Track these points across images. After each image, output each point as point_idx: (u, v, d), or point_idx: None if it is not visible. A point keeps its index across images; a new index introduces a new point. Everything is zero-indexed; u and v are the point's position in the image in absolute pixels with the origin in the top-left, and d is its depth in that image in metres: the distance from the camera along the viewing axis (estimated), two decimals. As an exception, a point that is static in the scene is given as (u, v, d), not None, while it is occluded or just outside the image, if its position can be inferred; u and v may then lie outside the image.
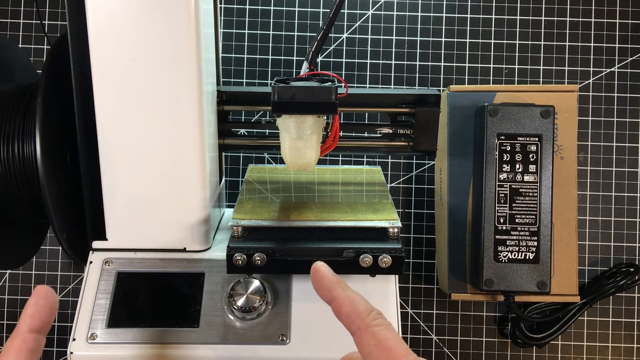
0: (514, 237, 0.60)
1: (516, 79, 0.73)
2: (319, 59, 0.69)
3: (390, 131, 0.54)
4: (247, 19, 0.73)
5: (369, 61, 0.73)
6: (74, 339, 0.45)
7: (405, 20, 0.73)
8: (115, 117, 0.46)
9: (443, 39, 0.73)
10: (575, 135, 0.63)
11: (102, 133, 0.47)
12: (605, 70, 0.72)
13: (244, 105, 0.55)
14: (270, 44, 0.73)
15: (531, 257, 0.60)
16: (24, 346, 0.34)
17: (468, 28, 0.73)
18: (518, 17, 0.73)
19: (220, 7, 0.72)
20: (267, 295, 0.46)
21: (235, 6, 0.73)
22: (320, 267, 0.37)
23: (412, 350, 0.33)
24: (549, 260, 0.59)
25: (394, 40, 0.73)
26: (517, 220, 0.60)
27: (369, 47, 0.73)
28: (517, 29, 0.73)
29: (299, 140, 0.46)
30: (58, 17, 0.73)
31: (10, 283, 0.71)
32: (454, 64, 0.73)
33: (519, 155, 0.60)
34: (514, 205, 0.60)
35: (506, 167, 0.60)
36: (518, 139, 0.60)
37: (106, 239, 0.49)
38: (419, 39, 0.73)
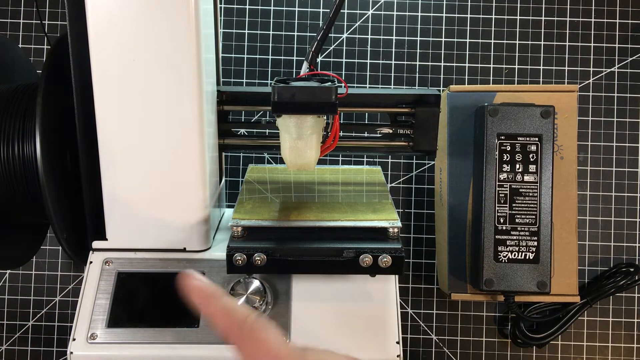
0: (514, 237, 0.60)
1: (516, 79, 0.73)
2: (319, 59, 0.69)
3: (390, 131, 0.54)
4: (247, 19, 0.73)
5: (369, 61, 0.73)
6: (74, 339, 0.45)
7: (405, 20, 0.73)
8: (115, 116, 0.46)
9: (443, 39, 0.73)
10: (575, 135, 0.63)
11: (102, 133, 0.47)
12: (605, 70, 0.72)
13: (244, 105, 0.55)
14: (270, 44, 0.73)
15: (531, 257, 0.60)
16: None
17: (468, 28, 0.73)
18: (518, 17, 0.73)
19: (220, 7, 0.72)
20: (267, 295, 0.46)
21: (235, 6, 0.73)
22: (187, 277, 0.34)
23: (295, 345, 0.33)
24: (549, 260, 0.59)
25: (394, 40, 0.73)
26: (517, 220, 0.60)
27: (369, 47, 0.73)
28: (517, 29, 0.73)
29: (299, 140, 0.46)
30: (58, 17, 0.73)
31: (10, 283, 0.71)
32: (454, 64, 0.73)
33: (519, 155, 0.60)
34: (514, 205, 0.60)
35: (506, 167, 0.60)
36: (518, 139, 0.60)
37: (106, 239, 0.49)
38: (419, 39, 0.73)
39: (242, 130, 0.67)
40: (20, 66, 0.61)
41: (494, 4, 0.73)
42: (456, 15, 0.73)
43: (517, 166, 0.60)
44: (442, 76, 0.73)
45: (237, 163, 0.73)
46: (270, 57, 0.73)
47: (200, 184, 0.48)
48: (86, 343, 0.45)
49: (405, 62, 0.73)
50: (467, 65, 0.73)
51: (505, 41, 0.73)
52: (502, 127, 0.60)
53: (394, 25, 0.73)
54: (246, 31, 0.73)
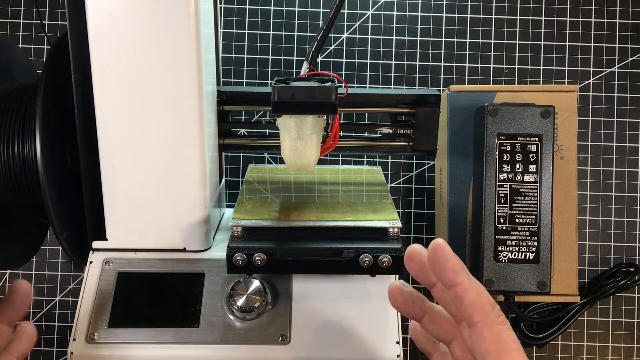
0: (514, 237, 0.60)
1: (516, 79, 0.73)
2: (319, 59, 0.69)
3: (390, 131, 0.54)
4: (247, 19, 0.73)
5: (369, 61, 0.73)
6: (74, 339, 0.45)
7: (405, 20, 0.73)
8: (115, 117, 0.46)
9: (443, 39, 0.73)
10: (575, 135, 0.63)
11: (102, 133, 0.47)
12: (605, 70, 0.72)
13: (244, 105, 0.55)
14: (270, 44, 0.73)
15: (531, 257, 0.60)
16: None
17: (468, 28, 0.73)
18: (518, 17, 0.73)
19: (220, 7, 0.72)
20: (267, 295, 0.46)
21: (235, 6, 0.73)
22: (444, 245, 0.34)
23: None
24: (549, 260, 0.59)
25: (394, 40, 0.73)
26: (517, 220, 0.60)
27: (369, 47, 0.73)
28: (517, 29, 0.73)
29: (299, 140, 0.46)
30: (58, 17, 0.73)
31: (11, 283, 0.71)
32: (454, 64, 0.73)
33: (519, 155, 0.60)
34: (514, 205, 0.60)
35: (506, 167, 0.60)
36: (518, 139, 0.60)
37: (106, 239, 0.49)
38: (419, 39, 0.73)
39: (242, 130, 0.67)
40: (20, 66, 0.61)
41: (494, 4, 0.73)
42: (456, 15, 0.73)
43: (517, 166, 0.60)
44: (442, 76, 0.73)
45: (237, 163, 0.73)
46: (270, 57, 0.73)
47: (200, 184, 0.48)
48: (86, 343, 0.45)
49: (405, 62, 0.73)
50: (467, 65, 0.73)
51: (505, 41, 0.73)
52: (502, 127, 0.60)
53: (394, 25, 0.73)
54: (246, 31, 0.73)
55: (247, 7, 0.73)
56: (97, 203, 0.48)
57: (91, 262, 0.49)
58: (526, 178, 0.60)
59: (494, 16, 0.73)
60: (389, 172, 0.73)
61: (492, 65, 0.73)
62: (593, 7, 0.73)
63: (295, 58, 0.73)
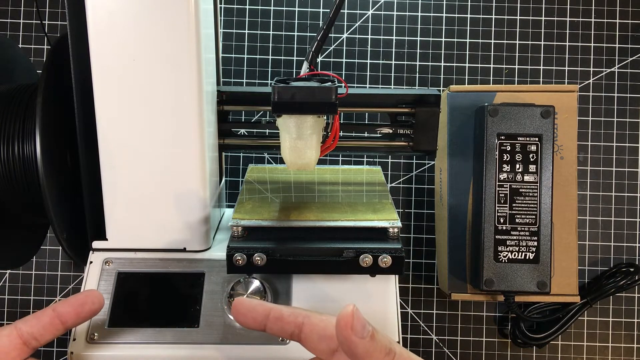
0: (514, 237, 0.60)
1: (516, 79, 0.73)
2: (319, 59, 0.69)
3: (390, 131, 0.54)
4: (247, 19, 0.73)
5: (369, 61, 0.73)
6: (74, 339, 0.45)
7: (405, 20, 0.73)
8: (115, 117, 0.46)
9: (443, 39, 0.73)
10: (575, 135, 0.63)
11: (102, 133, 0.47)
12: (605, 70, 0.72)
13: (244, 105, 0.55)
14: (270, 44, 0.73)
15: (531, 257, 0.60)
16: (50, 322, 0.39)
17: (468, 28, 0.73)
18: (518, 17, 0.73)
19: (220, 7, 0.72)
20: (267, 295, 0.46)
21: (235, 6, 0.73)
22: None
23: None
24: (549, 260, 0.59)
25: (394, 40, 0.73)
26: (517, 220, 0.60)
27: (369, 47, 0.73)
28: (517, 29, 0.73)
29: (299, 140, 0.46)
30: (58, 17, 0.73)
31: (10, 283, 0.71)
32: (454, 64, 0.73)
33: (519, 155, 0.60)
34: (514, 205, 0.60)
35: (506, 167, 0.60)
36: (518, 139, 0.60)
37: (106, 239, 0.49)
38: (419, 39, 0.73)
39: (242, 130, 0.67)
40: (20, 66, 0.61)
41: (494, 4, 0.73)
42: (456, 15, 0.73)
43: (517, 166, 0.60)
44: (442, 76, 0.73)
45: (237, 163, 0.73)
46: (270, 57, 0.73)
47: (200, 184, 0.48)
48: (86, 343, 0.45)
49: (405, 62, 0.73)
50: (467, 65, 0.73)
51: (505, 41, 0.73)
52: (502, 127, 0.60)
53: (394, 25, 0.73)
54: (246, 31, 0.73)
55: (247, 7, 0.73)
56: (97, 203, 0.48)
57: (91, 262, 0.49)
58: (526, 178, 0.60)
59: (494, 16, 0.73)
60: (389, 172, 0.73)
61: (492, 65, 0.73)
62: (593, 7, 0.73)
63: (295, 58, 0.73)
